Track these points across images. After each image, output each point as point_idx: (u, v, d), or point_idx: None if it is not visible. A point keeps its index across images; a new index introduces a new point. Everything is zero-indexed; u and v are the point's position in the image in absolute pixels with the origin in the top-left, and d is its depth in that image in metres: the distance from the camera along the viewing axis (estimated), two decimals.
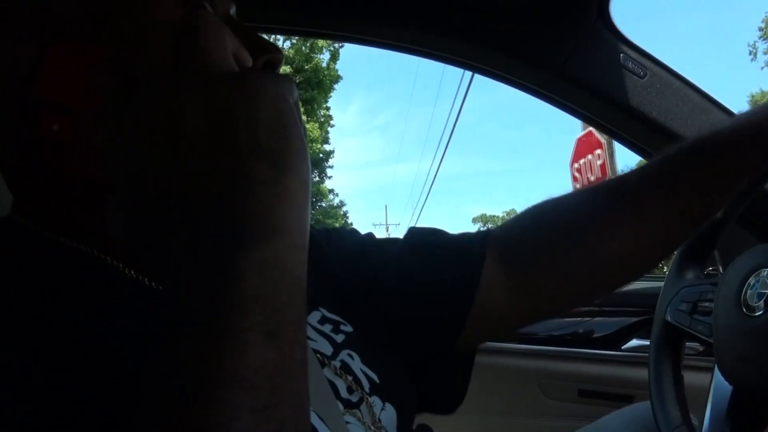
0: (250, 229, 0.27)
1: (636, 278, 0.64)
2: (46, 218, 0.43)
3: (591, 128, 7.11)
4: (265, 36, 0.45)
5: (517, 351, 1.16)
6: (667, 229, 0.59)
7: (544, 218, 0.63)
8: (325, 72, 9.87)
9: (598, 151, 6.96)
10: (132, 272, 0.43)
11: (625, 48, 0.88)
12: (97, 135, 0.37)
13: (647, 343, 1.13)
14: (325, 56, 10.04)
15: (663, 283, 1.11)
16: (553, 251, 0.60)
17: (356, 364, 0.53)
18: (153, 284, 0.43)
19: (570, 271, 0.59)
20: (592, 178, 7.01)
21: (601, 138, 6.95)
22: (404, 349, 0.59)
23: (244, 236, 0.27)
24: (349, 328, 0.57)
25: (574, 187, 7.28)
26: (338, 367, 0.51)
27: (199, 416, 0.25)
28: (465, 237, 0.64)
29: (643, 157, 0.95)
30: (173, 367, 0.27)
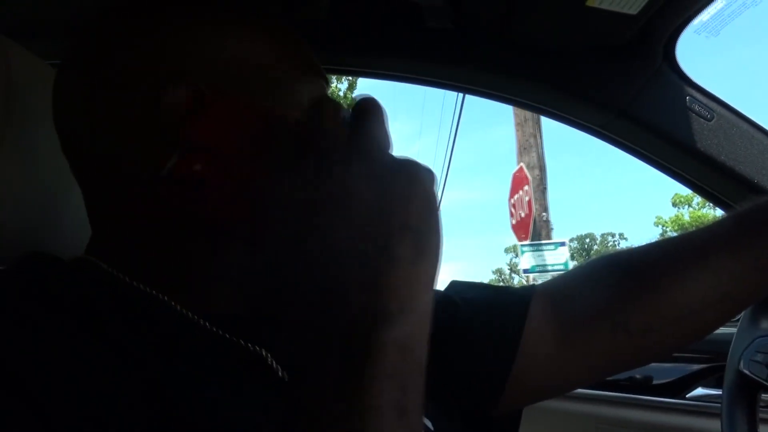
0: (392, 305, 0.28)
1: (702, 336, 0.60)
2: (129, 262, 0.44)
3: (522, 164, 7.11)
4: None
5: (575, 395, 1.13)
6: (737, 286, 0.55)
7: (602, 271, 0.61)
8: (342, 101, 10.11)
9: (526, 187, 6.95)
10: (208, 324, 0.43)
11: (691, 90, 0.87)
12: (241, 180, 0.40)
13: (714, 392, 1.09)
14: (343, 85, 10.19)
15: (727, 328, 1.08)
16: (611, 305, 0.57)
17: None
18: (231, 337, 0.43)
19: (628, 328, 0.56)
20: (523, 214, 6.98)
21: (528, 174, 6.93)
22: (450, 402, 0.57)
23: (384, 312, 0.28)
24: None
25: (511, 222, 7.21)
26: None
27: None
28: (507, 292, 0.63)
29: (709, 200, 0.93)
30: None
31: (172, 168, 0.40)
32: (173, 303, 0.43)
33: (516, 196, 7.24)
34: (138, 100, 0.42)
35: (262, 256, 0.33)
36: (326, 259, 0.29)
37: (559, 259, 6.76)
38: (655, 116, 0.87)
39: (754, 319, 0.81)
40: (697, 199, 32.45)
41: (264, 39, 0.46)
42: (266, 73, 0.45)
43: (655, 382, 1.13)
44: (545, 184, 7.23)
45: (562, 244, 6.87)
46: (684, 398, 1.07)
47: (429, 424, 0.52)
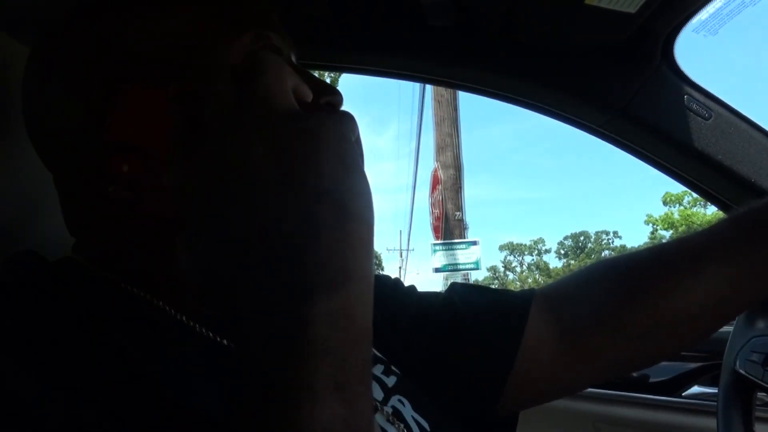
0: (317, 277, 0.26)
1: (701, 340, 0.60)
2: (107, 262, 0.43)
3: (437, 163, 7.17)
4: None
5: None
6: (734, 291, 0.55)
7: (602, 276, 0.61)
8: None
9: (439, 187, 6.98)
10: (190, 321, 0.43)
11: (689, 89, 0.87)
12: (166, 172, 0.38)
13: (710, 390, 1.09)
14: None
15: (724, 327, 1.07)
16: (610, 310, 0.57)
17: (407, 411, 0.52)
18: (207, 332, 0.43)
19: (627, 332, 0.56)
20: (437, 212, 7.05)
21: (441, 174, 7.01)
22: (447, 402, 0.58)
23: (311, 284, 0.26)
24: (397, 371, 0.56)
25: (430, 220, 7.33)
26: (390, 413, 0.50)
27: None
28: (508, 296, 0.62)
29: (706, 199, 0.93)
30: (243, 424, 0.26)
31: (102, 170, 0.39)
32: (156, 301, 0.42)
33: (435, 194, 7.30)
34: (66, 102, 0.42)
35: (189, 244, 0.30)
36: (246, 238, 0.27)
37: (470, 258, 6.80)
38: (653, 115, 0.87)
39: (749, 320, 0.81)
40: (688, 197, 32.85)
41: (167, 18, 0.42)
42: (176, 53, 0.41)
43: (651, 380, 1.13)
44: (461, 184, 7.30)
45: (474, 243, 6.92)
46: (680, 396, 1.07)
47: (426, 424, 0.52)
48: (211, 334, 0.43)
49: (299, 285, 0.26)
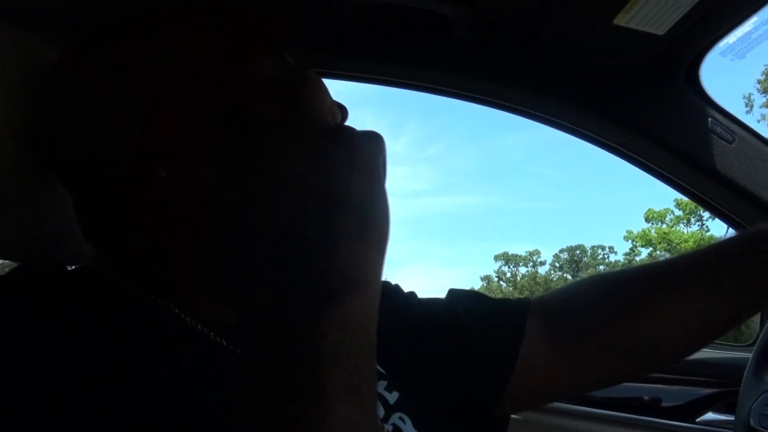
0: (332, 283, 0.27)
1: (684, 357, 0.63)
2: (127, 268, 0.44)
3: None
4: None
5: (583, 414, 1.11)
6: (711, 317, 0.58)
7: (593, 290, 0.62)
8: None
9: None
10: (204, 329, 0.43)
11: (713, 112, 0.87)
12: (200, 176, 0.39)
13: (725, 417, 1.07)
14: None
15: (739, 353, 1.07)
16: (599, 322, 0.59)
17: (408, 429, 0.51)
18: (221, 341, 0.43)
19: (614, 345, 0.58)
20: None
21: None
22: (446, 412, 0.58)
23: (327, 290, 0.27)
24: (400, 387, 0.55)
25: None
26: (390, 431, 0.50)
27: None
28: (506, 303, 0.64)
29: (728, 224, 0.92)
30: (256, 426, 0.26)
31: (139, 175, 0.40)
32: (172, 308, 0.42)
33: None
34: (103, 111, 0.42)
35: (217, 246, 0.31)
36: (270, 240, 0.28)
37: None
38: (676, 137, 0.86)
39: (758, 374, 0.80)
40: (670, 215, 33.23)
41: (208, 34, 0.44)
42: (215, 67, 0.43)
43: (664, 404, 1.12)
44: None
45: None
46: (694, 422, 1.06)
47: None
48: (225, 342, 0.43)
49: (315, 290, 0.27)
